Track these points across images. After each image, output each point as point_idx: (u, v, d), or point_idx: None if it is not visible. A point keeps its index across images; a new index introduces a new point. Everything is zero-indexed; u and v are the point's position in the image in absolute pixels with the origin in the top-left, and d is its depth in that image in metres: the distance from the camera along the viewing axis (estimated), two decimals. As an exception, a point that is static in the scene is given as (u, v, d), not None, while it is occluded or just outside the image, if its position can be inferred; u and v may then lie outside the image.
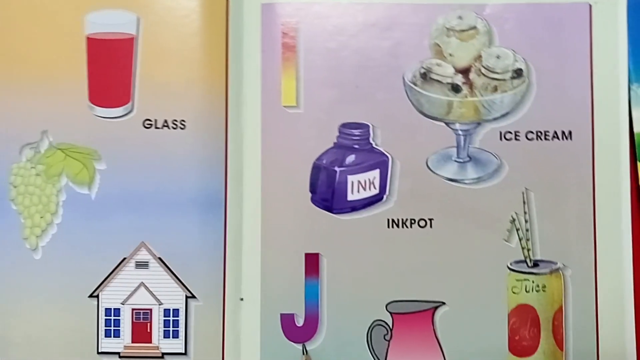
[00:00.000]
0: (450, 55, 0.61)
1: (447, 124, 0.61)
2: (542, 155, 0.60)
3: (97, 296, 0.60)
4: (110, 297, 0.60)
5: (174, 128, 0.60)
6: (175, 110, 0.60)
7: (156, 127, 0.60)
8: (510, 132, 0.60)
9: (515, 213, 0.60)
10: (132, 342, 0.60)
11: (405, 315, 0.59)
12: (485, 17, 0.61)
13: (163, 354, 0.60)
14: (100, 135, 0.60)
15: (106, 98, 0.61)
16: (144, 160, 0.60)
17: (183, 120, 0.60)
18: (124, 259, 0.60)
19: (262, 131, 0.60)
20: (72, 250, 0.60)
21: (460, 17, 0.61)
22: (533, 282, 0.59)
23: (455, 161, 0.61)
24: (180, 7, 0.61)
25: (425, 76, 0.60)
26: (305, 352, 0.57)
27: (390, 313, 0.59)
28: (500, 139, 0.61)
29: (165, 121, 0.60)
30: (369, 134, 0.61)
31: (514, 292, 0.59)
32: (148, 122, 0.61)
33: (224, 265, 0.60)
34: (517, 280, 0.59)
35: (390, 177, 0.60)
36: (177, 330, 0.60)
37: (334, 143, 0.61)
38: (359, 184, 0.60)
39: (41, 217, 0.60)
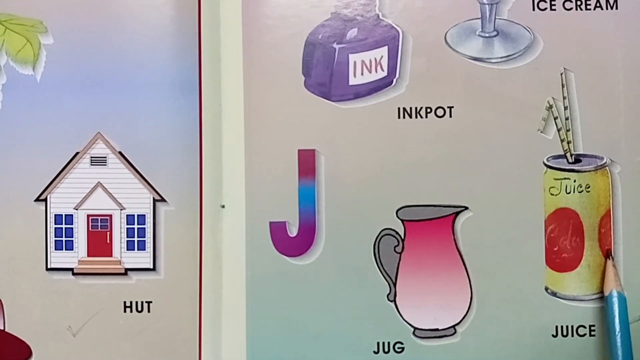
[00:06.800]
0: None
1: (469, -10, 0.60)
2: (584, 28, 0.58)
3: (45, 200, 0.58)
4: (60, 201, 0.58)
5: (137, -6, 0.59)
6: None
7: (114, -8, 0.60)
8: (544, 1, 0.58)
9: (553, 98, 0.57)
10: (88, 255, 0.58)
11: (420, 222, 0.57)
12: None
13: (126, 269, 0.58)
14: (46, 2, 0.58)
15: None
16: (99, 33, 0.57)
17: (147, -14, 0.59)
18: (77, 153, 0.58)
19: (242, -2, 0.60)
20: (14, 144, 0.57)
21: None
22: (575, 181, 0.57)
23: (480, 36, 0.59)
24: None
25: None
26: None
27: (402, 220, 0.57)
28: (533, 8, 0.58)
29: (125, -15, 0.59)
30: (375, 2, 0.58)
31: (551, 194, 0.57)
32: (104, -15, 0.60)
33: (200, 163, 0.57)
34: (556, 179, 0.57)
35: (401, 56, 0.58)
36: (144, 241, 0.58)
37: (332, 13, 0.58)
38: (363, 65, 0.58)
39: (-23, 105, 0.59)
